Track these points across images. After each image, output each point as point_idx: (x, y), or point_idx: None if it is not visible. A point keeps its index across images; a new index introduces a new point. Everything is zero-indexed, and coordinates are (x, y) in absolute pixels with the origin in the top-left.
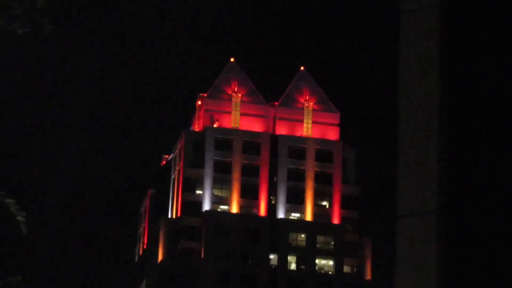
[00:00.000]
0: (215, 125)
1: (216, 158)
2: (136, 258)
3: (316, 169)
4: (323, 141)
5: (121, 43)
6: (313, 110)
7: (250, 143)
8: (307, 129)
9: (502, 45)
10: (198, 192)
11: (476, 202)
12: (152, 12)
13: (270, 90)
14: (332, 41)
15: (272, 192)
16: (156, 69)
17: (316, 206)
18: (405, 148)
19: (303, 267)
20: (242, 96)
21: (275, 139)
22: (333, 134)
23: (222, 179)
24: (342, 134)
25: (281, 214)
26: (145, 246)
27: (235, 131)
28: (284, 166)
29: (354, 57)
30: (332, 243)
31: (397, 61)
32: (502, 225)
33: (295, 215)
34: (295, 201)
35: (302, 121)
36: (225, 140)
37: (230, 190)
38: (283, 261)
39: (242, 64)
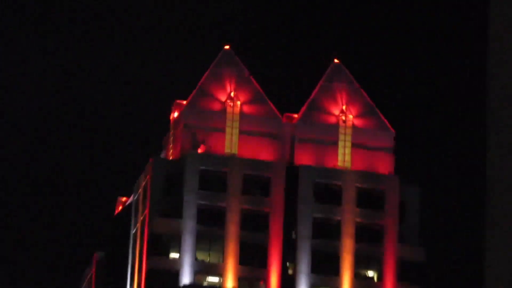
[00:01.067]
0: (200, 151)
1: (201, 201)
2: None
3: (357, 220)
4: (369, 176)
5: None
6: (354, 127)
7: (255, 179)
8: (343, 157)
9: None
10: (173, 255)
11: None
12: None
13: (286, 95)
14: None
15: (289, 255)
16: (115, 69)
17: (358, 278)
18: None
19: None
20: (242, 104)
21: (293, 172)
22: (384, 164)
23: (210, 236)
24: (399, 164)
25: None
26: None
27: (231, 160)
28: (308, 215)
29: (415, 49)
30: None
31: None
32: None
33: None
34: (325, 270)
35: (336, 143)
36: (216, 174)
37: (222, 252)
38: None
39: (242, 54)
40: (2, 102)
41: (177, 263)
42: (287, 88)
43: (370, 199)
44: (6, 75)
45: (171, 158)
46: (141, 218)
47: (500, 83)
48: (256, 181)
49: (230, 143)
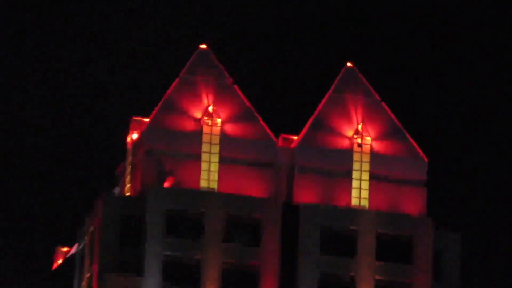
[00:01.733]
0: (167, 184)
1: (168, 252)
2: None
3: (378, 277)
4: (393, 218)
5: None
6: (373, 153)
7: (241, 222)
8: (359, 193)
9: None
10: None
11: None
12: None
13: (282, 112)
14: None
15: None
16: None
17: None
18: None
19: None
20: (223, 122)
21: (292, 213)
22: (414, 203)
23: None
24: (433, 203)
25: None
26: None
27: (208, 197)
28: (312, 269)
29: (457, 53)
30: None
31: None
32: None
33: None
34: None
35: (349, 175)
36: (188, 216)
37: None
38: None
39: (223, 56)
40: None
41: None
42: (284, 102)
43: (394, 249)
44: None
45: (128, 194)
46: (88, 274)
47: None
48: (242, 224)
49: (208, 174)
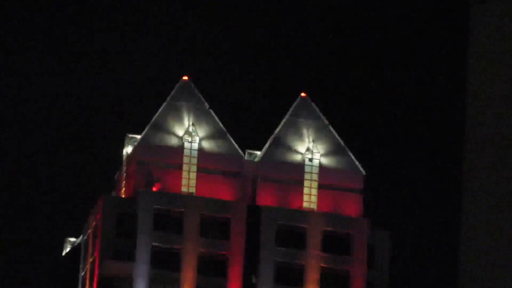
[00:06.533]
0: (154, 189)
1: (155, 243)
2: None
3: (323, 265)
4: (336, 219)
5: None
6: (321, 165)
7: (214, 220)
8: (309, 198)
9: None
10: None
11: None
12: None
13: (248, 131)
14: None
15: None
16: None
17: None
18: None
19: None
20: (201, 139)
21: (255, 213)
22: (352, 206)
23: (165, 280)
24: (368, 207)
25: None
26: None
27: (188, 199)
28: (270, 260)
29: (388, 85)
30: None
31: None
32: None
33: None
34: None
35: (301, 183)
36: (172, 214)
37: None
38: None
39: (201, 86)
40: None
41: None
42: (249, 123)
43: (336, 243)
44: None
45: (123, 196)
46: (91, 260)
47: (480, 129)
48: (214, 222)
49: (188, 181)
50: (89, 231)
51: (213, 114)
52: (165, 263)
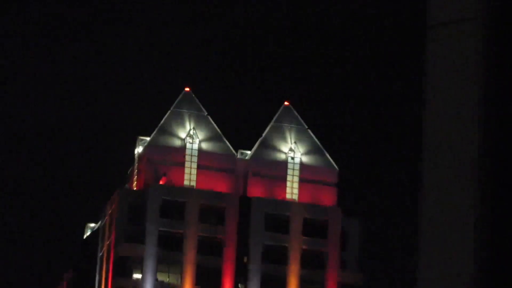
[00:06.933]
0: (161, 183)
1: (162, 228)
2: None
3: (303, 247)
4: (314, 208)
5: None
6: (301, 163)
7: (211, 209)
8: (291, 190)
9: None
10: (136, 276)
11: None
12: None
13: (240, 134)
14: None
15: (241, 278)
16: (82, 104)
17: None
18: None
19: None
20: (200, 141)
21: (246, 203)
22: (328, 197)
23: (170, 259)
24: (341, 198)
25: None
26: None
27: (189, 191)
28: (259, 243)
29: (359, 96)
30: None
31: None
32: None
33: None
34: None
35: (285, 178)
36: (176, 204)
37: (181, 274)
38: None
39: (201, 96)
40: None
41: (140, 283)
42: (241, 128)
43: (314, 229)
44: None
45: (135, 189)
46: (108, 242)
47: (435, 132)
48: (212, 211)
49: (189, 176)
50: (106, 218)
51: (211, 119)
52: (170, 245)
